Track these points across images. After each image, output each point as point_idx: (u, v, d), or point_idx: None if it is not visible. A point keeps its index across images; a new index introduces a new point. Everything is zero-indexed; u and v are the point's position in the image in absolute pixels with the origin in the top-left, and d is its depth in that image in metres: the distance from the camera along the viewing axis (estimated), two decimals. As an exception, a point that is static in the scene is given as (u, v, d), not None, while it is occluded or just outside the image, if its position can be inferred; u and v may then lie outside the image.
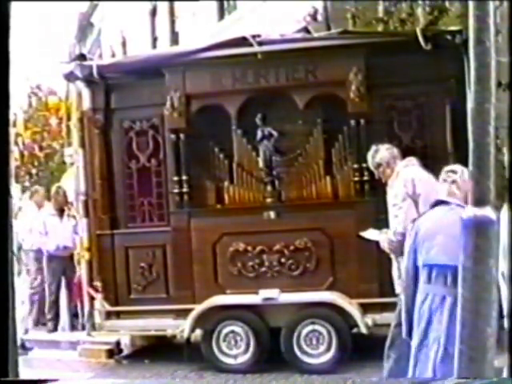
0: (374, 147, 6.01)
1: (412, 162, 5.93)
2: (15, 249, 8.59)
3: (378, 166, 5.98)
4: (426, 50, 6.29)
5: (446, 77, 6.43)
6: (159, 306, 6.94)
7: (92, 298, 7.12)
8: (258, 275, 6.74)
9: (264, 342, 6.66)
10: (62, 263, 8.89)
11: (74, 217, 8.80)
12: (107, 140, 7.21)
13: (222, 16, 15.73)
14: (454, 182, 4.28)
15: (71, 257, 8.69)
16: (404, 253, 4.46)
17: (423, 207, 5.09)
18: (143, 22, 20.03)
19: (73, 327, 8.69)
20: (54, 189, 9.53)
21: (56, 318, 8.99)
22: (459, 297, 3.07)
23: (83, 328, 8.20)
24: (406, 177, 5.76)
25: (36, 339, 8.42)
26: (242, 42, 6.74)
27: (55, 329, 8.90)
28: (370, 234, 5.97)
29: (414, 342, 4.13)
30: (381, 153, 5.97)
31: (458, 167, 4.39)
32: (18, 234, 9.33)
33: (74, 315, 8.84)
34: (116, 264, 7.12)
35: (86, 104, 7.23)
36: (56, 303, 8.99)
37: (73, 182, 7.72)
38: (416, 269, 4.20)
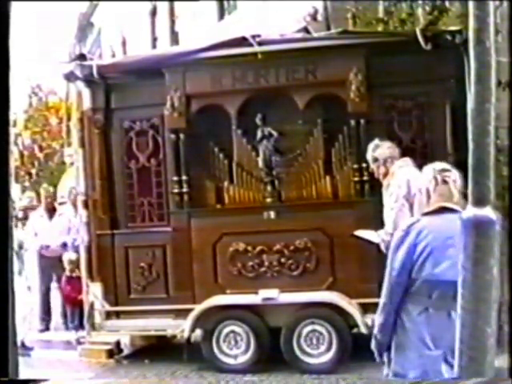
0: (376, 141, 6.03)
1: (407, 162, 5.93)
2: (16, 248, 8.63)
3: (375, 160, 6.01)
4: (426, 50, 6.29)
5: (446, 77, 6.44)
6: (159, 306, 6.94)
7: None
8: (258, 275, 6.74)
9: (264, 341, 6.67)
10: (52, 263, 8.91)
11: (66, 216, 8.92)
12: (107, 140, 7.21)
13: (222, 16, 15.74)
14: (454, 181, 3.81)
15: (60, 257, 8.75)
16: (396, 259, 3.80)
17: (418, 208, 5.07)
18: (143, 22, 20.03)
19: (67, 328, 8.69)
20: (42, 191, 9.73)
21: (48, 317, 9.00)
22: (459, 297, 3.06)
23: (75, 328, 8.25)
24: (401, 178, 5.78)
25: (35, 339, 8.41)
26: (242, 41, 6.74)
27: (47, 328, 8.90)
28: (366, 233, 5.98)
29: (414, 354, 3.76)
30: (381, 149, 5.99)
31: (447, 165, 3.96)
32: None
33: (64, 315, 8.88)
34: (116, 264, 7.12)
35: (86, 104, 7.24)
36: (47, 303, 9.01)
37: (73, 182, 7.75)
38: (411, 281, 3.75)
